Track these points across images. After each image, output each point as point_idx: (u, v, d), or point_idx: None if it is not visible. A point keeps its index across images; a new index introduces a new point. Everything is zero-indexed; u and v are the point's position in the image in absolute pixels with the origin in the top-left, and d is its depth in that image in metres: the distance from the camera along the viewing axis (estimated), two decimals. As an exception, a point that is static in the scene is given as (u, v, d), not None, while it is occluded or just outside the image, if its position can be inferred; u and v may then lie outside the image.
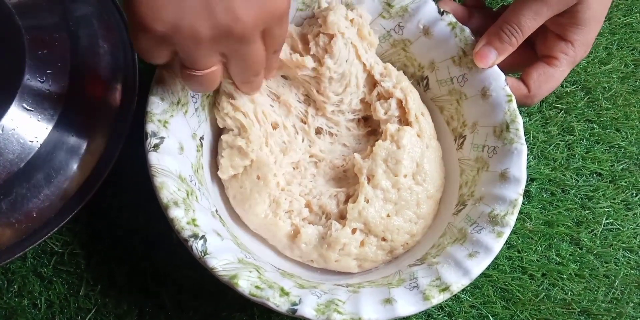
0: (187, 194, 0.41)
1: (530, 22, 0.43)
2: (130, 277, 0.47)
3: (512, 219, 0.41)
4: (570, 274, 0.52)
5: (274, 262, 0.45)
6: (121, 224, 0.48)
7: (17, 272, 0.47)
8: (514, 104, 0.44)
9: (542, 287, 0.51)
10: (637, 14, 0.63)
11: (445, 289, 0.39)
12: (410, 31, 0.48)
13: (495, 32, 0.44)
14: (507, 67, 0.45)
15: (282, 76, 0.47)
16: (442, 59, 0.47)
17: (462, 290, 0.50)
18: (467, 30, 0.46)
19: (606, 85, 0.60)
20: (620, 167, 0.57)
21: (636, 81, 0.61)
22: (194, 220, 0.39)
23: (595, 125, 0.58)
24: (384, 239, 0.44)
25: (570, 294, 0.51)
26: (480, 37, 0.45)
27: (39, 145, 0.44)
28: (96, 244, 0.48)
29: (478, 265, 0.40)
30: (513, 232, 0.53)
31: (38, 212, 0.44)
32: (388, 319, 0.37)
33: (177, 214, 0.39)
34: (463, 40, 0.46)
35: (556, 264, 0.52)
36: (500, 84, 0.44)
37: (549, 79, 0.46)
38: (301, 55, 0.46)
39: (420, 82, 0.50)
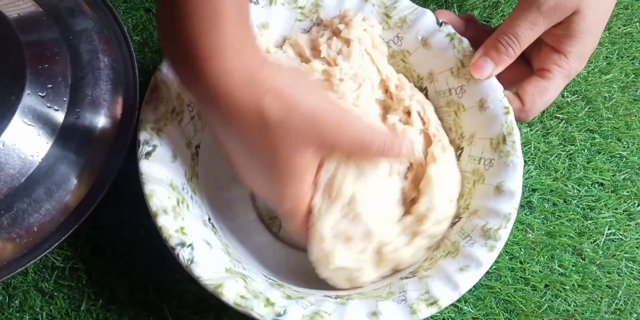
0: (178, 202, 0.41)
1: (527, 32, 0.43)
2: (131, 292, 0.47)
3: (505, 233, 0.41)
4: (573, 284, 0.52)
5: (264, 271, 0.44)
6: (122, 238, 0.48)
7: (19, 287, 0.46)
8: (512, 116, 0.44)
9: (544, 298, 0.51)
10: (637, 24, 0.63)
11: (433, 303, 0.39)
12: (409, 42, 0.48)
13: (492, 43, 0.44)
14: (505, 84, 0.45)
15: None
16: (440, 70, 0.47)
17: (465, 301, 0.50)
18: (466, 41, 0.46)
19: (607, 95, 0.60)
20: (622, 176, 0.57)
21: (637, 90, 0.61)
22: (182, 228, 0.39)
23: (596, 135, 0.58)
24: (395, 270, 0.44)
25: (574, 305, 0.51)
26: (477, 49, 0.45)
27: (39, 160, 0.44)
28: (97, 258, 0.47)
29: (468, 280, 0.40)
30: (515, 243, 0.52)
31: (39, 227, 0.44)
32: None
33: (165, 222, 0.39)
34: (461, 52, 0.46)
35: (559, 274, 0.52)
36: (498, 95, 0.44)
37: (543, 92, 0.45)
38: (308, 61, 0.46)
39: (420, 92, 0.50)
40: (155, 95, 0.42)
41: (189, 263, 0.38)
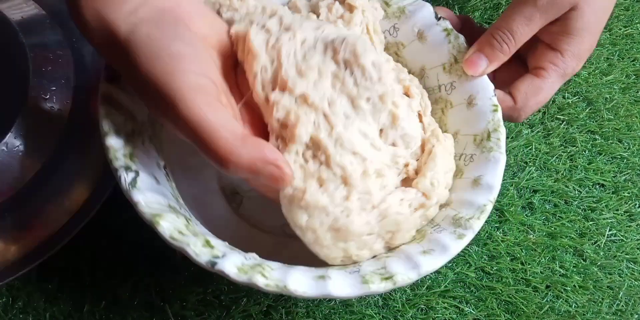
0: (134, 133, 0.38)
1: (523, 28, 0.42)
2: (134, 293, 0.47)
3: (477, 224, 0.38)
4: (574, 285, 0.52)
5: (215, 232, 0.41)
6: (125, 240, 0.48)
7: (22, 289, 0.47)
8: (499, 115, 0.43)
9: (546, 299, 0.51)
10: (638, 25, 0.63)
11: (389, 278, 0.35)
12: (405, 34, 0.47)
13: (487, 39, 0.43)
14: (499, 84, 0.44)
15: None
16: (432, 66, 0.46)
17: (466, 302, 0.50)
18: (462, 37, 0.45)
19: (608, 96, 0.60)
20: (623, 178, 0.57)
21: (638, 92, 0.61)
22: (131, 155, 0.36)
23: (597, 136, 0.58)
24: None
25: (575, 306, 0.51)
26: (472, 45, 0.44)
27: (43, 162, 0.44)
28: (100, 260, 0.48)
29: (430, 262, 0.36)
30: (516, 244, 0.53)
31: (42, 229, 0.44)
32: (318, 294, 0.34)
33: (115, 144, 0.36)
34: (456, 47, 0.45)
35: (560, 275, 0.52)
36: (488, 93, 0.43)
37: (537, 91, 0.44)
38: None
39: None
40: (108, 120, 0.38)
41: (130, 187, 0.35)
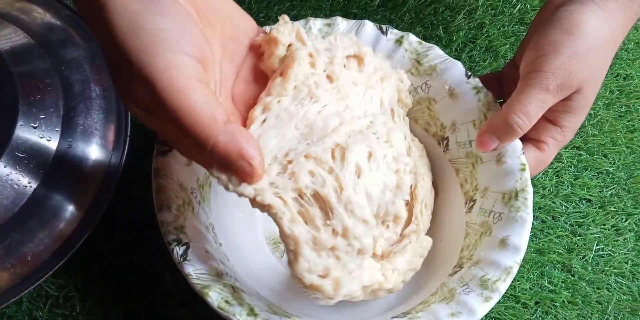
0: (184, 203, 0.41)
1: (538, 111, 0.43)
2: (125, 319, 0.47)
3: (503, 286, 0.41)
4: (563, 301, 0.52)
5: (260, 291, 0.44)
6: (116, 265, 0.48)
7: (13, 317, 0.47)
8: (527, 174, 0.44)
9: (535, 315, 0.52)
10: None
11: None
12: (436, 90, 0.48)
13: (502, 123, 0.43)
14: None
15: None
16: (463, 122, 0.48)
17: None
18: (490, 95, 0.47)
19: (592, 112, 0.61)
20: (609, 192, 0.58)
21: (621, 107, 0.62)
22: (182, 227, 0.40)
23: (582, 152, 0.59)
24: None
25: (564, 322, 0.52)
26: (485, 123, 0.45)
27: (33, 190, 0.45)
28: (91, 286, 0.48)
29: None
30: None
31: (33, 256, 0.45)
32: None
33: (167, 217, 0.39)
34: (485, 105, 0.46)
35: (549, 291, 0.53)
36: (517, 152, 0.45)
37: (539, 163, 0.46)
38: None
39: (441, 142, 0.50)
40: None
41: (182, 259, 0.38)
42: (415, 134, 0.51)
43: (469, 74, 0.47)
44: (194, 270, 0.38)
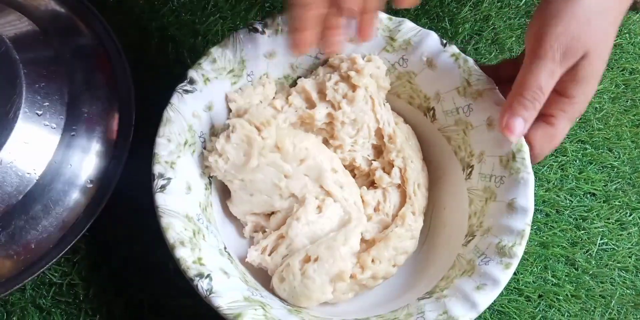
0: (194, 233, 0.41)
1: (549, 82, 0.42)
2: (128, 307, 0.47)
3: (519, 250, 0.41)
4: (567, 295, 0.52)
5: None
6: (119, 254, 0.49)
7: (16, 304, 0.47)
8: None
9: (538, 308, 0.52)
10: (627, 35, 0.64)
11: None
12: (414, 63, 0.48)
13: (518, 101, 0.43)
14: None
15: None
16: (447, 90, 0.48)
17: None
18: (471, 60, 0.46)
19: (597, 105, 0.60)
20: (614, 187, 0.57)
21: (627, 101, 0.61)
22: (200, 259, 0.40)
23: (587, 146, 0.59)
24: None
25: (567, 315, 0.52)
26: (502, 108, 0.44)
27: (37, 177, 0.45)
28: (94, 274, 0.48)
29: (486, 298, 0.40)
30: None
31: (36, 244, 0.45)
32: None
33: (183, 254, 0.39)
34: (467, 71, 0.46)
35: (552, 285, 0.53)
36: None
37: (551, 138, 0.45)
38: (314, 105, 0.47)
39: (427, 113, 0.50)
40: (167, 129, 0.43)
41: (208, 293, 0.38)
42: (399, 109, 0.51)
43: (445, 42, 0.47)
44: (222, 302, 0.39)
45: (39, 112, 0.45)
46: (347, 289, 0.44)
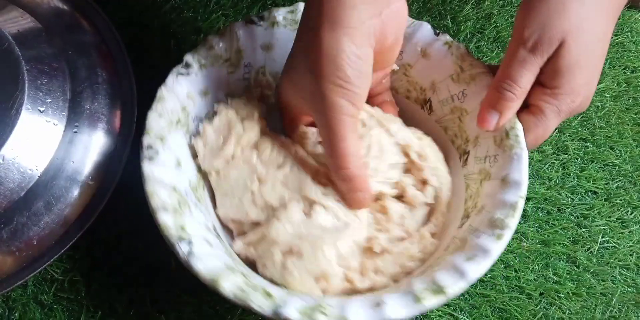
0: (179, 204, 0.41)
1: (521, 71, 0.41)
2: (130, 304, 0.47)
3: (512, 222, 0.40)
4: (568, 292, 0.52)
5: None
6: (121, 251, 0.49)
7: (18, 300, 0.47)
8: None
9: (539, 306, 0.52)
10: (629, 33, 0.64)
11: (440, 291, 0.37)
12: (409, 55, 0.48)
13: (492, 93, 0.43)
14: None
15: None
16: (441, 79, 0.48)
17: (460, 310, 0.51)
18: (462, 47, 0.47)
19: (599, 104, 0.60)
20: (615, 185, 0.57)
21: (629, 99, 0.61)
22: (182, 226, 0.39)
23: (589, 144, 0.59)
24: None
25: (568, 313, 0.52)
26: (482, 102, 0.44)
27: (39, 174, 0.45)
28: (96, 271, 0.48)
29: (475, 268, 0.38)
30: (510, 251, 0.53)
31: (38, 240, 0.45)
32: None
33: (166, 219, 0.39)
34: (459, 57, 0.46)
35: (553, 282, 0.53)
36: None
37: (532, 128, 0.43)
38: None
39: (424, 105, 0.50)
40: (160, 105, 0.43)
41: (188, 255, 0.38)
42: (397, 104, 0.50)
43: (437, 31, 0.47)
44: (203, 266, 0.37)
45: (41, 109, 0.45)
46: (338, 291, 0.42)
